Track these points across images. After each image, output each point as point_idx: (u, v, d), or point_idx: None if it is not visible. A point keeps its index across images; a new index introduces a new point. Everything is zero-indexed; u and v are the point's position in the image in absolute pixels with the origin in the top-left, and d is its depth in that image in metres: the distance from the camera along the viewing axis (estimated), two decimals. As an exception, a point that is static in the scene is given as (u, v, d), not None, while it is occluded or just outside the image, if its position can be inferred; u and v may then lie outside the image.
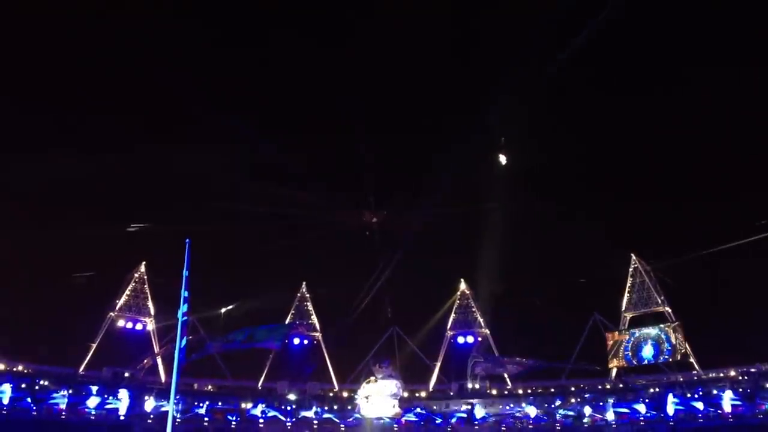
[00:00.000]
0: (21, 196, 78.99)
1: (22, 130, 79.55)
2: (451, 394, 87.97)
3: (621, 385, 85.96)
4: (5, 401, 74.38)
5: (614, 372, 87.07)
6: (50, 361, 79.37)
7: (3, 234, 74.87)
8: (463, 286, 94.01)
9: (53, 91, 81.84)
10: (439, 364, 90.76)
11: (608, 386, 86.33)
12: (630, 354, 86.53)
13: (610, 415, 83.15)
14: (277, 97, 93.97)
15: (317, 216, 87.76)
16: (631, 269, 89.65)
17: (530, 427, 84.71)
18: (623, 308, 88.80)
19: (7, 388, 74.66)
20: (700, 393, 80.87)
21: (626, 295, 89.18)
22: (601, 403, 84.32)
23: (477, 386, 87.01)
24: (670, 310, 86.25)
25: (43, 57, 78.98)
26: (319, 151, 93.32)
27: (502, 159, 77.53)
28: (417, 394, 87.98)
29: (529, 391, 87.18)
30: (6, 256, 75.98)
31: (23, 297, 77.18)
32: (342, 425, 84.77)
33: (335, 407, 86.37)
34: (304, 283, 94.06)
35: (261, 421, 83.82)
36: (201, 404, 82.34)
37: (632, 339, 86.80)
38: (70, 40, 78.72)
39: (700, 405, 79.90)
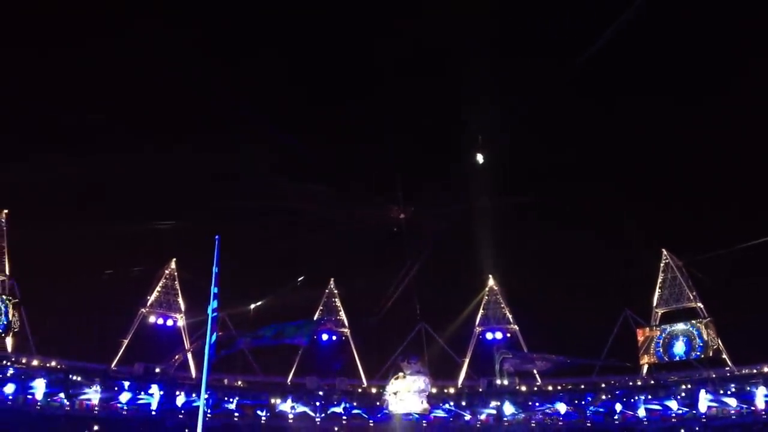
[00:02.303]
0: (54, 193, 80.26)
1: (55, 127, 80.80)
2: (480, 390, 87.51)
3: (652, 382, 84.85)
4: (39, 396, 75.52)
5: (645, 368, 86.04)
6: (83, 356, 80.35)
7: (37, 231, 76.25)
8: (491, 282, 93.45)
9: (86, 89, 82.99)
10: (467, 361, 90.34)
11: (639, 383, 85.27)
12: (661, 350, 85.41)
13: (641, 412, 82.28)
14: (303, 93, 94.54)
15: (345, 212, 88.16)
16: (662, 265, 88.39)
17: (560, 423, 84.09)
18: (654, 304, 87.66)
19: (40, 383, 75.70)
20: (733, 389, 79.68)
21: (657, 290, 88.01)
22: (632, 400, 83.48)
23: (506, 383, 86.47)
24: (702, 306, 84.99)
25: (77, 55, 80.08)
26: (346, 147, 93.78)
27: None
28: (445, 391, 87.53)
29: (559, 387, 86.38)
30: (40, 254, 77.36)
31: (56, 294, 78.39)
32: (371, 421, 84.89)
33: (364, 403, 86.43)
34: (332, 279, 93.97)
35: (290, 416, 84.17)
36: (231, 399, 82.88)
37: (663, 335, 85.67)
38: (106, 40, 79.95)
39: (732, 401, 78.80)
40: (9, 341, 78.01)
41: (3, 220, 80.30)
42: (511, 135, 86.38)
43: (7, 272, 79.61)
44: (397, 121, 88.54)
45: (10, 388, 74.01)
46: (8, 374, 74.65)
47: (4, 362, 75.39)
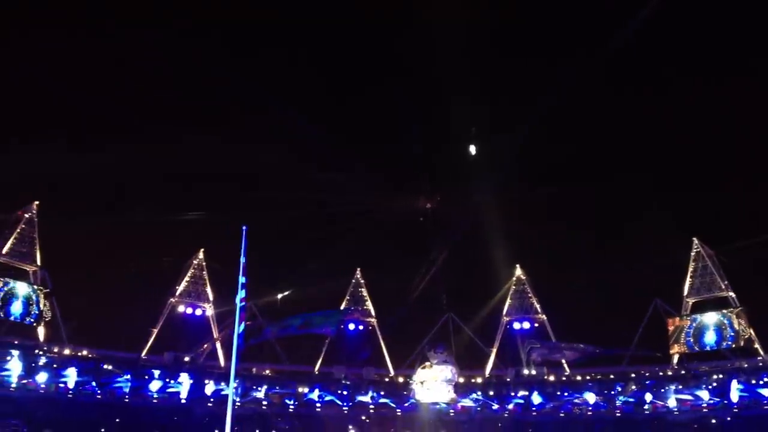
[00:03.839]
0: (84, 185, 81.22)
1: (86, 118, 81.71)
2: (508, 380, 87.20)
3: (683, 372, 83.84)
4: (71, 385, 76.62)
5: (676, 358, 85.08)
6: (113, 345, 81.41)
7: (68, 223, 77.27)
8: (519, 271, 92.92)
9: (114, 81, 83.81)
10: (495, 350, 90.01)
11: (670, 373, 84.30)
12: (692, 340, 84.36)
13: (671, 402, 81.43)
14: (328, 82, 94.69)
15: (372, 202, 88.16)
16: (693, 254, 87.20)
17: (589, 413, 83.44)
18: (685, 293, 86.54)
19: (72, 372, 76.81)
20: (766, 379, 78.50)
21: (688, 280, 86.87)
22: (662, 390, 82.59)
23: (534, 372, 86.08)
24: (733, 295, 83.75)
25: (106, 47, 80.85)
26: (375, 138, 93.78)
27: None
28: (473, 380, 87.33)
29: (588, 377, 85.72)
30: (72, 245, 78.37)
31: (88, 284, 79.42)
32: (398, 410, 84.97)
33: (391, 392, 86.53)
34: (358, 269, 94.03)
35: (318, 405, 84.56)
36: (259, 388, 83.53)
37: (694, 325, 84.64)
38: (132, 33, 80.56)
39: (765, 392, 77.61)
40: (41, 331, 79.20)
41: (34, 212, 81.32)
42: (537, 125, 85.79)
43: (39, 263, 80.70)
44: (423, 112, 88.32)
45: (42, 377, 75.15)
46: (40, 363, 75.77)
47: (37, 351, 76.56)
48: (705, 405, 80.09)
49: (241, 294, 25.30)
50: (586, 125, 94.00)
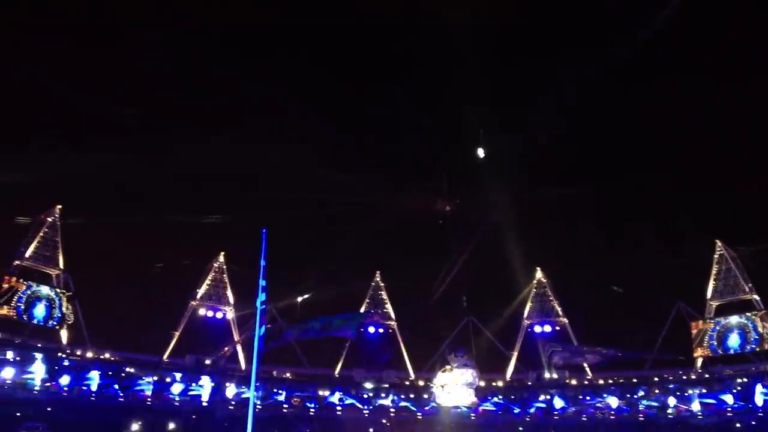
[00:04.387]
0: (107, 189, 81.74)
1: (106, 121, 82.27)
2: (529, 383, 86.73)
3: (707, 375, 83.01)
4: (93, 388, 77.01)
5: (699, 362, 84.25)
6: (136, 349, 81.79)
7: (91, 227, 77.83)
8: (539, 274, 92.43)
9: (131, 83, 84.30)
10: (516, 354, 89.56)
11: (693, 376, 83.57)
12: (715, 343, 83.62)
13: (695, 406, 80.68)
14: (347, 83, 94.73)
15: (392, 205, 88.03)
16: (716, 256, 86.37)
17: (612, 417, 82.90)
18: (708, 296, 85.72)
19: (95, 375, 77.25)
20: (791, 383, 77.79)
21: (711, 282, 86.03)
22: (686, 394, 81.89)
23: (555, 376, 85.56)
24: (758, 298, 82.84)
25: (122, 49, 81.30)
26: (393, 139, 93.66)
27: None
28: (494, 384, 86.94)
29: (611, 381, 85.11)
30: (94, 249, 78.86)
31: (110, 288, 79.84)
32: (419, 413, 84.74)
33: (412, 396, 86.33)
34: (378, 272, 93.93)
35: (339, 408, 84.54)
36: (280, 391, 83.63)
37: (718, 328, 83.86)
38: (148, 35, 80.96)
39: (791, 395, 76.86)
40: (64, 334, 79.74)
41: (57, 215, 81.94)
42: (557, 127, 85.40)
43: (61, 266, 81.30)
44: (443, 114, 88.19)
45: (65, 380, 75.55)
46: (64, 366, 76.22)
47: (60, 354, 77.06)
48: (729, 409, 79.19)
49: (262, 297, 25.17)
50: (606, 125, 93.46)
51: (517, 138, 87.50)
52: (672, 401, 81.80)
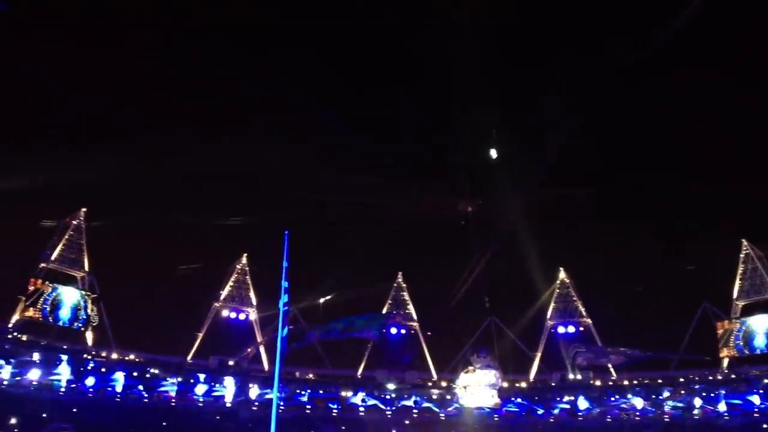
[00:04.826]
0: (131, 193, 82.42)
1: (128, 124, 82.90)
2: (553, 384, 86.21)
3: (733, 376, 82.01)
4: (119, 389, 77.75)
5: (726, 362, 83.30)
6: (160, 350, 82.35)
7: (115, 229, 78.55)
8: (562, 274, 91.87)
9: (147, 85, 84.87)
10: (539, 355, 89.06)
11: (719, 377, 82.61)
12: (741, 343, 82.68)
13: (721, 407, 79.76)
14: (369, 85, 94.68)
15: (413, 206, 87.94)
16: (742, 255, 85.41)
17: (637, 418, 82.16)
18: (734, 296, 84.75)
19: (120, 376, 77.93)
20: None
21: (737, 282, 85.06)
22: (712, 395, 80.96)
23: (579, 377, 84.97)
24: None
25: (142, 52, 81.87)
26: (414, 139, 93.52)
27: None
28: (517, 385, 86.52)
29: (635, 382, 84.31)
30: (118, 251, 79.61)
31: (134, 290, 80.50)
32: (441, 414, 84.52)
33: (434, 397, 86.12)
34: (400, 273, 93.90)
35: (361, 409, 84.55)
36: (303, 392, 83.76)
37: (744, 328, 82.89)
38: (160, 35, 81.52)
39: (818, 396, 75.85)
40: (89, 335, 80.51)
41: (81, 218, 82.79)
42: (578, 127, 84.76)
43: (86, 268, 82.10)
44: (465, 115, 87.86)
45: (91, 381, 76.32)
46: (89, 367, 77.02)
47: (85, 356, 77.82)
48: (756, 410, 78.12)
49: (284, 298, 25.23)
50: (628, 125, 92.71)
51: (536, 138, 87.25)
52: (698, 402, 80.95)
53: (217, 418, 79.24)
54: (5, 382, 72.09)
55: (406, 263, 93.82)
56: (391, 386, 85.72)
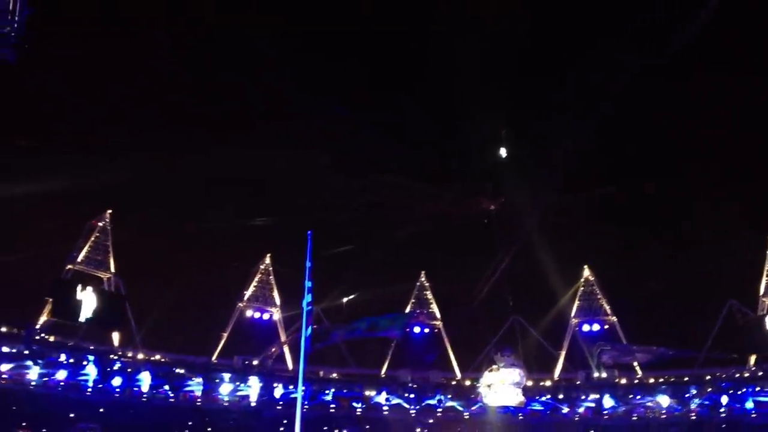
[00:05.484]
0: (156, 195, 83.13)
1: (154, 126, 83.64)
2: (578, 383, 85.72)
3: (760, 374, 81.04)
4: (145, 389, 78.39)
5: (753, 359, 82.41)
6: (185, 350, 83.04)
7: (141, 231, 79.26)
8: (586, 272, 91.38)
9: (178, 87, 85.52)
10: (563, 353, 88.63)
11: (747, 374, 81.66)
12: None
13: (749, 405, 78.89)
14: (388, 85, 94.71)
15: (435, 205, 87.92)
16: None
17: (663, 417, 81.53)
18: (761, 293, 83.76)
19: (146, 376, 78.55)
20: None
21: (764, 279, 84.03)
22: (739, 392, 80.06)
23: (605, 375, 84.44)
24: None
25: (169, 53, 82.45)
26: (436, 138, 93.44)
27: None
28: (542, 383, 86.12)
29: (661, 380, 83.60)
30: (144, 252, 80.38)
31: (160, 290, 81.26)
32: (465, 413, 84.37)
33: (458, 395, 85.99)
34: (423, 272, 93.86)
35: (385, 408, 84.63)
36: (327, 391, 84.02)
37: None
38: (191, 38, 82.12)
39: None
40: (115, 336, 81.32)
41: (107, 220, 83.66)
42: (602, 123, 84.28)
43: (112, 269, 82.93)
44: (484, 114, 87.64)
45: (117, 381, 76.97)
46: (115, 368, 77.69)
47: (111, 356, 78.59)
48: (784, 408, 77.37)
49: (308, 298, 25.43)
50: (650, 120, 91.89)
51: (559, 138, 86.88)
52: (725, 400, 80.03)
53: (243, 419, 79.71)
54: (33, 383, 73.21)
55: (429, 262, 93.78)
56: (414, 385, 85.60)
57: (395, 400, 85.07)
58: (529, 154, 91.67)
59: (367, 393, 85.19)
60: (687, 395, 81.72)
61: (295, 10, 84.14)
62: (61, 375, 74.41)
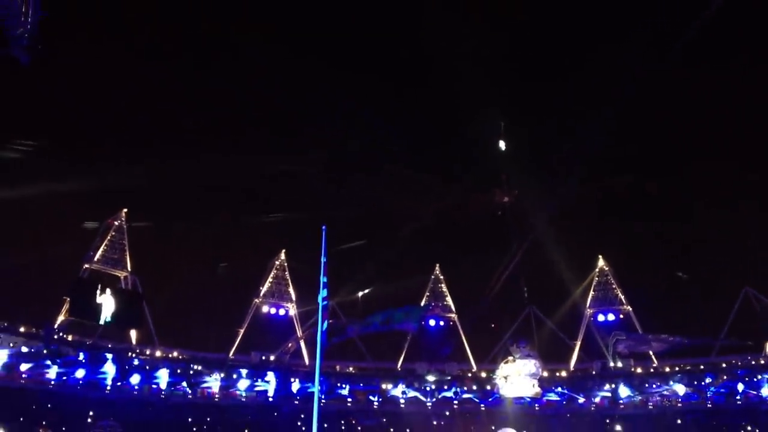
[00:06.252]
0: (175, 194, 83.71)
1: (172, 127, 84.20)
2: (594, 373, 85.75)
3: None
4: (163, 386, 79.02)
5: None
6: (203, 346, 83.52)
7: (159, 229, 79.84)
8: (601, 262, 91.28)
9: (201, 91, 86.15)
10: (579, 343, 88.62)
11: (762, 362, 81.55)
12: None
13: (765, 391, 78.92)
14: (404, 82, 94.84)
15: (451, 197, 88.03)
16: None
17: (679, 405, 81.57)
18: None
19: (164, 373, 79.20)
20: None
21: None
22: (755, 380, 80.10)
23: (620, 365, 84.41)
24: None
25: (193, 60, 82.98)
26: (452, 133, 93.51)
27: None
28: (557, 374, 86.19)
29: (677, 368, 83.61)
30: (160, 251, 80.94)
31: (176, 288, 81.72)
32: (482, 405, 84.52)
33: (474, 387, 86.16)
34: (437, 265, 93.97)
35: (402, 401, 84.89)
36: (344, 385, 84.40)
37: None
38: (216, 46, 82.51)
39: None
40: (133, 334, 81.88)
41: (123, 219, 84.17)
42: (619, 115, 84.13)
43: (129, 268, 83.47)
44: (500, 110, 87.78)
45: (135, 379, 77.70)
46: (133, 365, 78.36)
47: (129, 354, 79.21)
48: (800, 394, 77.26)
49: (323, 293, 25.59)
50: (666, 113, 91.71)
51: (576, 128, 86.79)
52: (741, 387, 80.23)
53: (261, 413, 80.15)
54: (53, 382, 73.92)
55: (444, 255, 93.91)
56: (431, 378, 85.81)
57: (412, 393, 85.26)
58: (546, 143, 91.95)
59: (383, 386, 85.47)
60: (703, 383, 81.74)
61: (304, 16, 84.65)
62: (80, 374, 75.02)
